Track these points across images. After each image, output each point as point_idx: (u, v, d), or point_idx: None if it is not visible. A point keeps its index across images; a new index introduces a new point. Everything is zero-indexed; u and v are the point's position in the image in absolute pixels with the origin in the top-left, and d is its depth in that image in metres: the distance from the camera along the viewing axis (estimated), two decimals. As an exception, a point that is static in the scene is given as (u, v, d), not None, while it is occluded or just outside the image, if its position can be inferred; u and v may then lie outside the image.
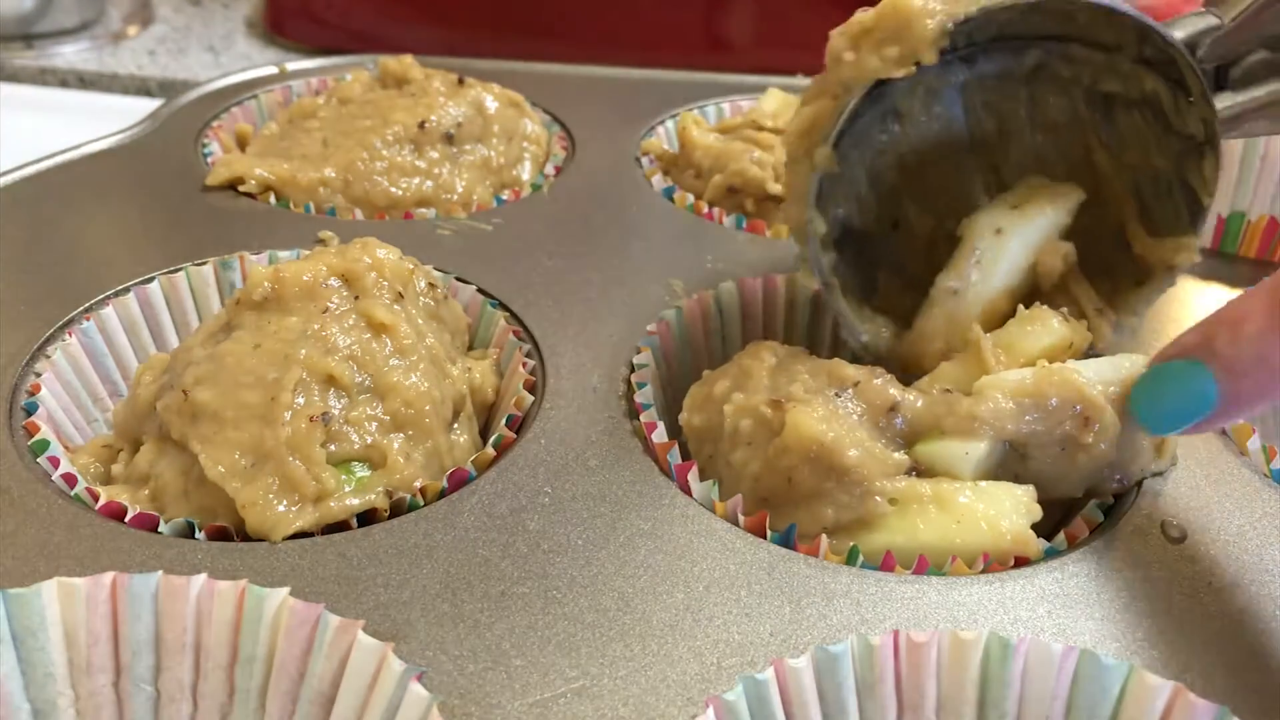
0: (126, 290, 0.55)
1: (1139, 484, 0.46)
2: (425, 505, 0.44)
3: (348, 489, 0.44)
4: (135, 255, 0.58)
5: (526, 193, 0.70)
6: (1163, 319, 0.58)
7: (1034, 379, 0.44)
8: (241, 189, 0.66)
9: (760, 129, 0.72)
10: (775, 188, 0.66)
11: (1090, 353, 0.48)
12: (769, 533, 0.43)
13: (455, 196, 0.68)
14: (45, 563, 0.40)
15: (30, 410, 0.48)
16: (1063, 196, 0.50)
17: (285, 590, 0.37)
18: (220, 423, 0.44)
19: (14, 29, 1.02)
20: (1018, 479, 0.44)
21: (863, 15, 0.46)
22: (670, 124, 0.80)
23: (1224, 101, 0.47)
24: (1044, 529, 0.43)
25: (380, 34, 1.05)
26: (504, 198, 0.70)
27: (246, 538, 0.42)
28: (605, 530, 0.43)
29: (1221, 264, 0.66)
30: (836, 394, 0.45)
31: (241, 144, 0.76)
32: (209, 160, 0.70)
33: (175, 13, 1.16)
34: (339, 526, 0.43)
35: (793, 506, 0.43)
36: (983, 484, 0.43)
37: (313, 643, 0.37)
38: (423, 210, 0.67)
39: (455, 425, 0.49)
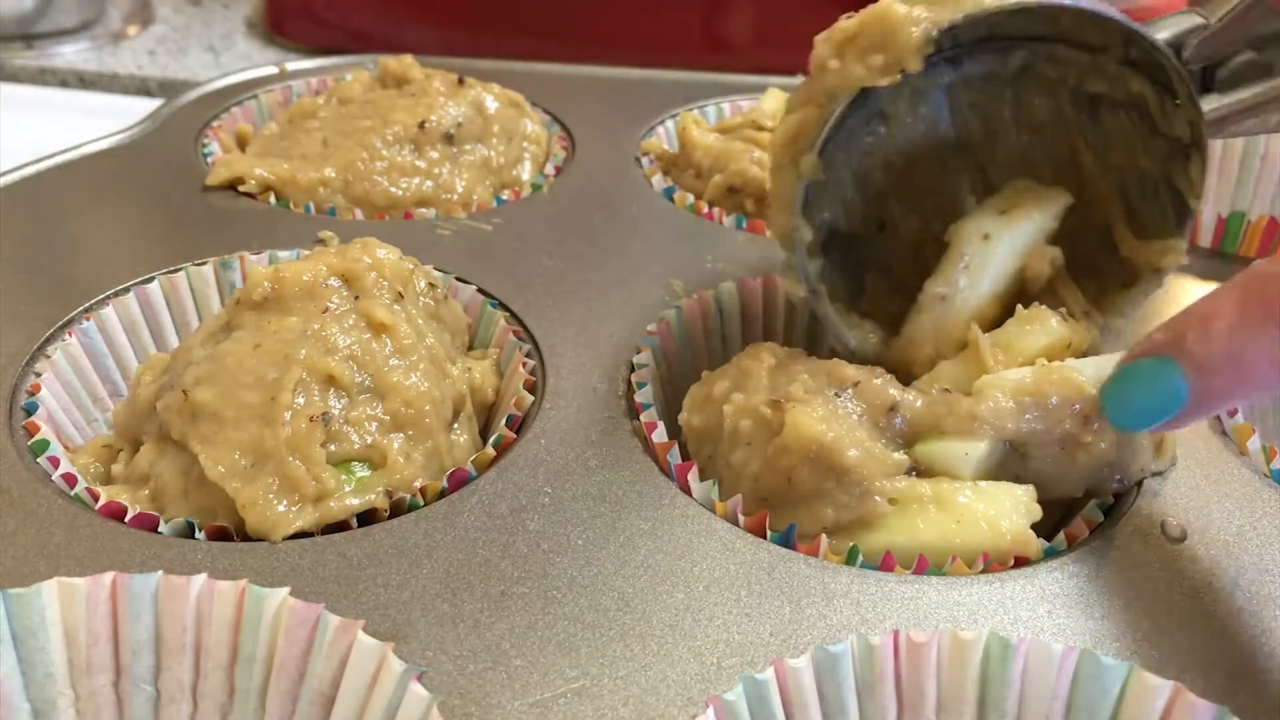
0: (126, 290, 0.55)
1: (1139, 484, 0.46)
2: (425, 505, 0.44)
3: (348, 489, 0.44)
4: (135, 255, 0.58)
5: (526, 193, 0.70)
6: (1162, 318, 0.58)
7: (1033, 378, 0.44)
8: (241, 189, 0.66)
9: (760, 129, 0.72)
10: (775, 188, 0.66)
11: (1087, 352, 0.48)
12: (769, 533, 0.43)
13: (455, 196, 0.68)
14: (45, 563, 0.40)
15: (30, 410, 0.48)
16: (1049, 200, 0.50)
17: (285, 590, 0.37)
18: (220, 423, 0.44)
19: (14, 29, 1.02)
20: (1018, 479, 0.44)
21: (846, 22, 0.45)
22: (670, 124, 0.79)
23: (1210, 104, 0.47)
24: (1044, 529, 0.43)
25: (380, 34, 1.05)
26: (504, 198, 0.70)
27: (246, 538, 0.42)
28: (605, 530, 0.43)
29: (1221, 264, 0.66)
30: (836, 394, 0.45)
31: (241, 144, 0.76)
32: (209, 160, 0.70)
33: (175, 13, 1.16)
34: (339, 526, 0.43)
35: (792, 506, 0.43)
36: (983, 484, 0.43)
37: (313, 643, 0.37)
38: (423, 210, 0.67)
39: (455, 425, 0.49)
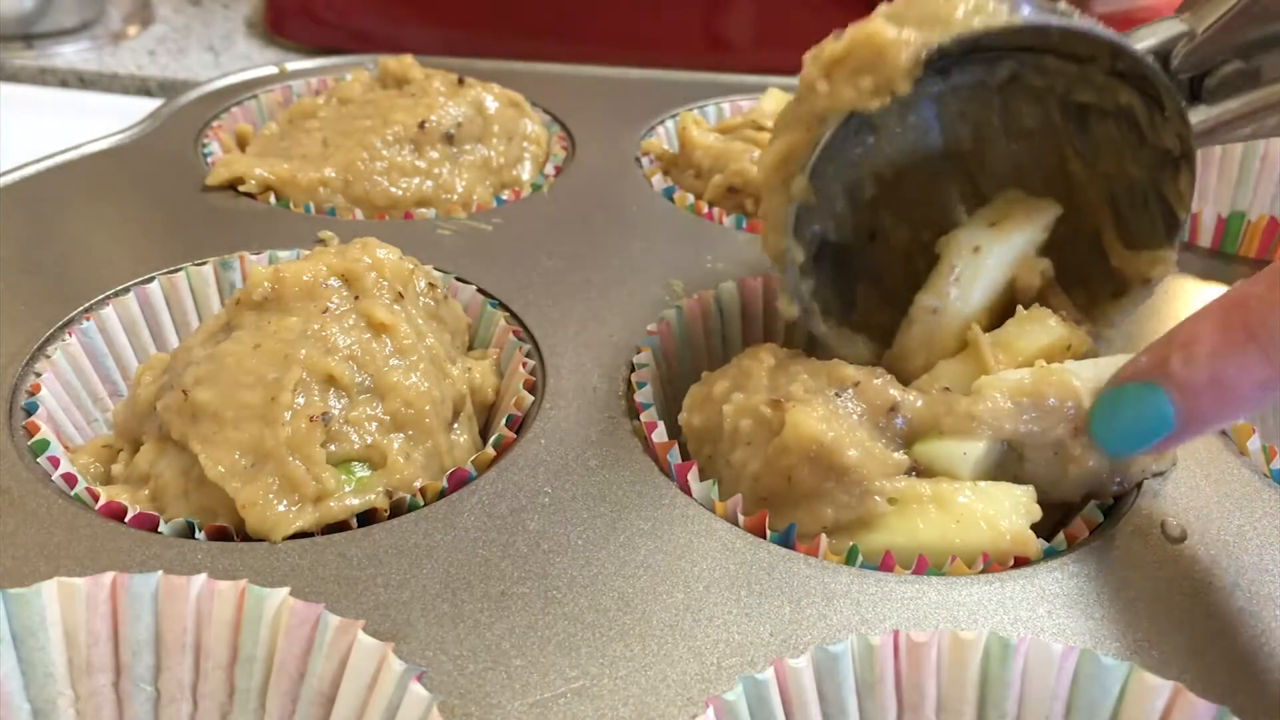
0: (126, 290, 0.55)
1: (1139, 484, 0.46)
2: (425, 505, 0.44)
3: (348, 489, 0.44)
4: (135, 255, 0.58)
5: (526, 193, 0.70)
6: (1163, 318, 0.58)
7: (1032, 379, 0.44)
8: (241, 189, 0.66)
9: (760, 129, 0.72)
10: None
11: (1086, 355, 0.48)
12: (769, 532, 0.43)
13: (455, 196, 0.68)
14: (45, 563, 0.40)
15: (30, 410, 0.48)
16: (1039, 212, 0.50)
17: (285, 590, 0.37)
18: (220, 423, 0.44)
19: (14, 29, 1.02)
20: (1015, 480, 0.44)
21: (835, 43, 0.45)
22: (670, 124, 0.80)
23: (1199, 115, 0.47)
24: (1044, 529, 0.43)
25: (380, 34, 1.05)
26: (504, 198, 0.70)
27: (246, 538, 0.42)
28: (605, 530, 0.43)
29: (1221, 264, 0.66)
30: (836, 394, 0.45)
31: (241, 144, 0.76)
32: (209, 160, 0.71)
33: (175, 13, 1.16)
34: (339, 526, 0.43)
35: (792, 506, 0.43)
36: (982, 484, 0.43)
37: (313, 643, 0.37)
38: (423, 210, 0.67)
39: (455, 425, 0.49)
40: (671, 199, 0.69)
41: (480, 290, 0.58)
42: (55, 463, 0.45)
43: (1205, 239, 0.68)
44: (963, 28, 0.43)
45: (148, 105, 0.78)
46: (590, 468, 0.46)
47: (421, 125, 0.68)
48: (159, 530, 0.42)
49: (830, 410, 0.44)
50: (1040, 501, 0.43)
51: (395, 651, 0.36)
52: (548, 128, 0.78)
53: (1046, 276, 0.49)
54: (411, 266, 0.52)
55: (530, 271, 0.59)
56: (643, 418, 0.48)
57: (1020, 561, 0.42)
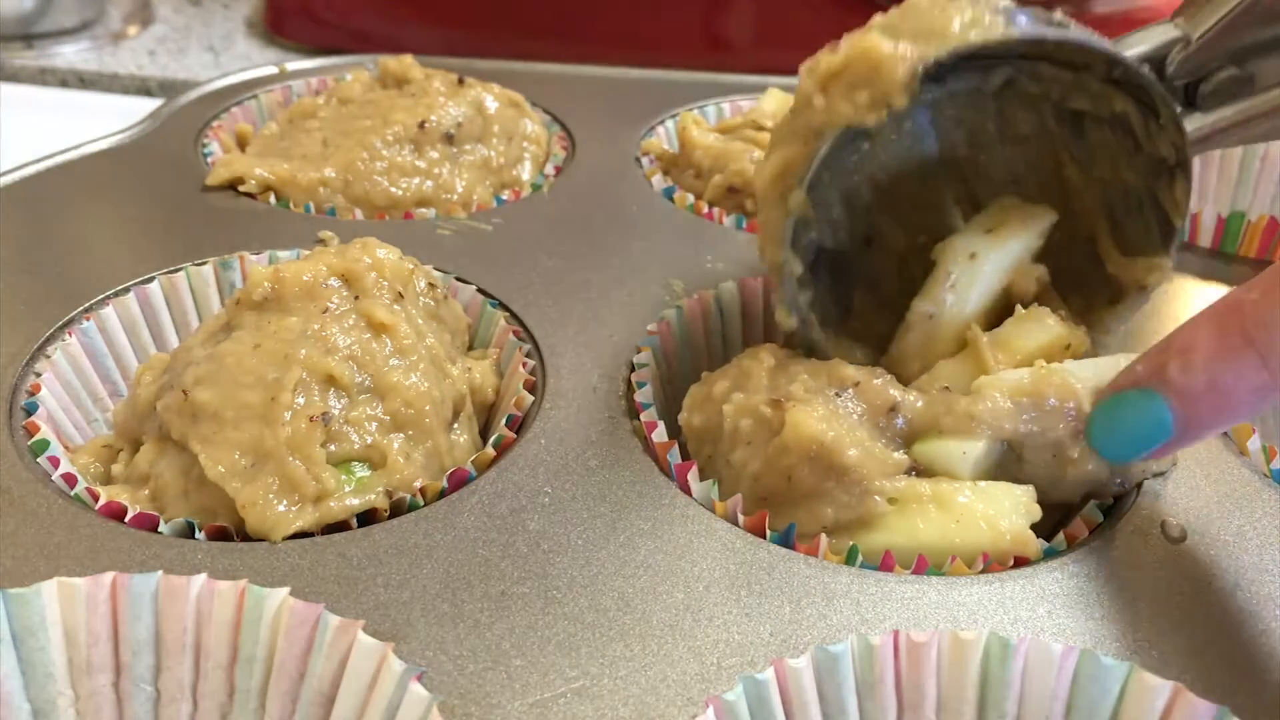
0: (126, 290, 0.55)
1: (1139, 484, 0.46)
2: (425, 505, 0.44)
3: (348, 489, 0.44)
4: (135, 255, 0.58)
5: (526, 193, 0.70)
6: (1163, 318, 0.58)
7: (1031, 379, 0.44)
8: (241, 189, 0.66)
9: (760, 129, 0.72)
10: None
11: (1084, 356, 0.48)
12: (769, 532, 0.43)
13: (455, 196, 0.68)
14: (45, 563, 0.40)
15: (30, 410, 0.48)
16: (1035, 219, 0.50)
17: (285, 590, 0.37)
18: (220, 423, 0.44)
19: (14, 29, 1.02)
20: (1015, 481, 0.44)
21: (831, 57, 0.44)
22: (670, 124, 0.80)
23: (1194, 123, 0.47)
24: (1044, 529, 0.43)
25: (380, 34, 1.05)
26: (504, 198, 0.70)
27: (246, 538, 0.42)
28: (605, 530, 0.43)
29: (1221, 264, 0.66)
30: (836, 394, 0.45)
31: (241, 144, 0.76)
32: (209, 160, 0.70)
33: (175, 13, 1.16)
34: (339, 526, 0.43)
35: (792, 506, 0.43)
36: (982, 484, 0.43)
37: (313, 643, 0.37)
38: (423, 210, 0.67)
39: (455, 425, 0.49)
40: (671, 199, 0.69)
41: (480, 290, 0.58)
42: (55, 463, 0.45)
43: (1205, 239, 0.68)
44: (959, 41, 0.43)
45: (148, 105, 0.78)
46: (590, 468, 0.46)
47: (421, 125, 0.68)
48: (159, 530, 0.42)
49: (830, 410, 0.44)
50: (1040, 501, 0.43)
51: (395, 651, 0.36)
52: (548, 128, 0.78)
53: (1042, 283, 0.49)
54: (411, 266, 0.52)
55: (530, 271, 0.59)
56: (643, 418, 0.48)
57: (1020, 561, 0.42)
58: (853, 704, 0.37)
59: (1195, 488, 0.46)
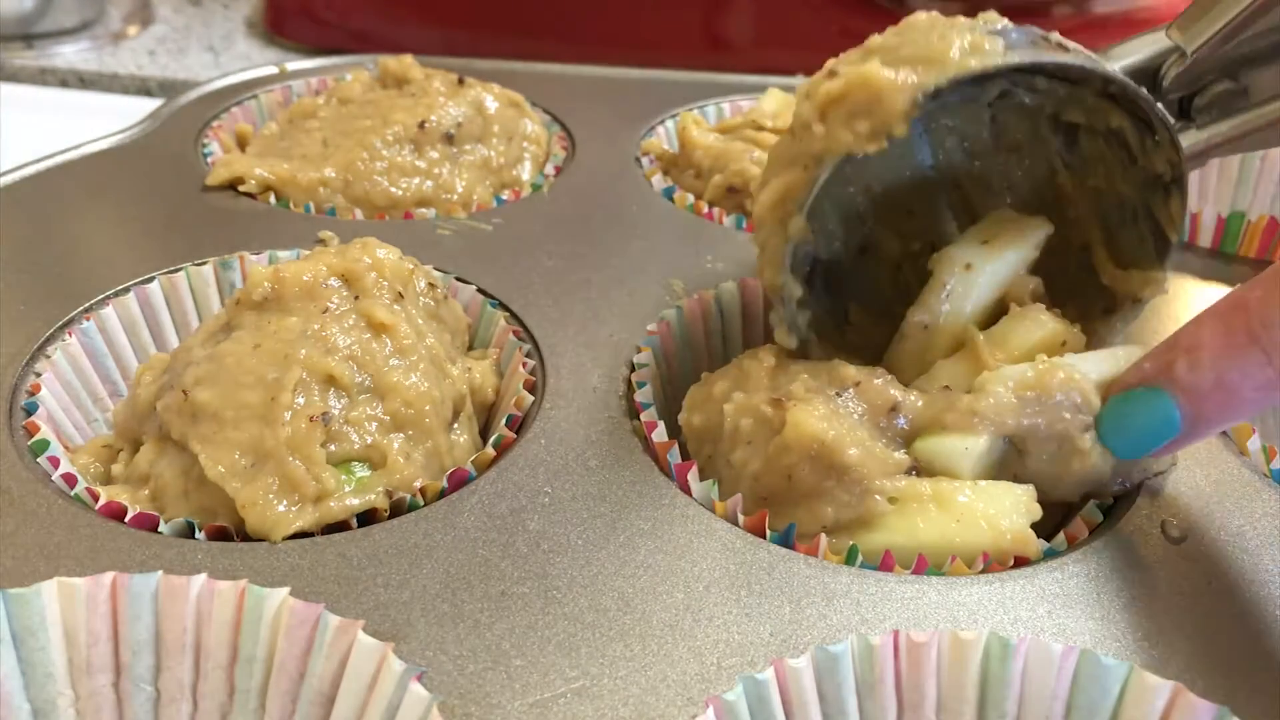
0: (126, 290, 0.55)
1: (1139, 484, 0.46)
2: (425, 505, 0.44)
3: (348, 489, 0.44)
4: (135, 255, 0.58)
5: (526, 193, 0.70)
6: (1164, 318, 0.58)
7: (1035, 373, 0.44)
8: (241, 189, 0.66)
9: (760, 129, 0.72)
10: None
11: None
12: (769, 532, 0.43)
13: (455, 196, 0.68)
14: (45, 563, 0.40)
15: (30, 410, 0.48)
16: (1031, 230, 0.49)
17: (285, 590, 0.37)
18: (220, 423, 0.44)
19: (14, 29, 1.02)
20: (1016, 479, 0.44)
21: (830, 83, 0.44)
22: (670, 124, 0.80)
23: (1189, 139, 0.47)
24: (1044, 529, 0.43)
25: (380, 34, 1.05)
26: (504, 198, 0.70)
27: (246, 538, 0.42)
28: (605, 530, 0.43)
29: (1221, 264, 0.66)
30: (837, 394, 0.45)
31: (241, 144, 0.76)
32: (209, 160, 0.71)
33: (175, 13, 1.16)
34: (339, 526, 0.43)
35: (792, 505, 0.43)
36: (983, 483, 0.43)
37: (313, 643, 0.37)
38: (423, 210, 0.67)
39: (455, 425, 0.49)
40: (671, 199, 0.69)
41: (480, 290, 0.58)
42: (55, 463, 0.45)
43: (1205, 239, 0.68)
44: (959, 69, 0.43)
45: (148, 105, 0.78)
46: (590, 468, 0.46)
47: (421, 125, 0.68)
48: (159, 530, 0.42)
49: (831, 409, 0.44)
50: (1040, 501, 0.43)
51: (395, 651, 0.36)
52: (548, 128, 0.78)
53: (1037, 294, 0.49)
54: (411, 266, 0.52)
55: (530, 271, 0.59)
56: (643, 418, 0.48)
57: (1020, 561, 0.42)
58: (853, 704, 0.37)
59: (1195, 488, 0.46)
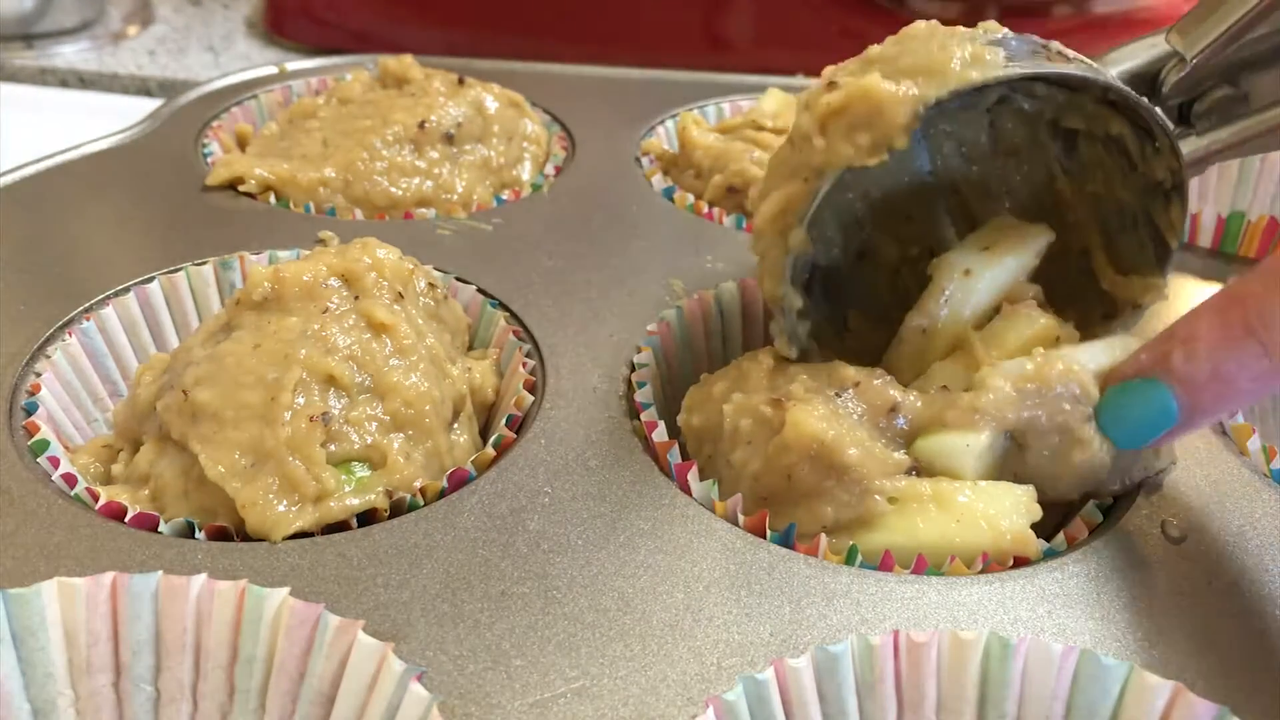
0: (126, 290, 0.55)
1: (1139, 484, 0.46)
2: (425, 505, 0.44)
3: (348, 489, 0.44)
4: (135, 255, 0.58)
5: (526, 193, 0.70)
6: (1162, 317, 0.58)
7: (1035, 365, 0.44)
8: (241, 189, 0.66)
9: (760, 129, 0.72)
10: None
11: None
12: (769, 532, 0.43)
13: (455, 196, 0.68)
14: (45, 563, 0.40)
15: (30, 410, 0.48)
16: (1032, 238, 0.49)
17: (285, 590, 0.37)
18: (220, 423, 0.44)
19: (14, 29, 1.02)
20: (1016, 477, 0.44)
21: (829, 96, 0.44)
22: (670, 124, 0.80)
23: (1189, 146, 0.47)
24: (1044, 530, 0.43)
25: (380, 34, 1.05)
26: (504, 198, 0.70)
27: (246, 538, 0.42)
28: (605, 530, 0.43)
29: (1221, 264, 0.66)
30: (836, 394, 0.45)
31: (241, 144, 0.76)
32: (209, 160, 0.71)
33: (175, 13, 1.16)
34: (339, 526, 0.43)
35: (792, 506, 0.43)
36: (983, 484, 0.43)
37: (313, 643, 0.37)
38: (423, 210, 0.67)
39: (455, 425, 0.49)
40: (671, 199, 0.69)
41: (480, 290, 0.58)
42: (55, 463, 0.45)
43: (1205, 239, 0.68)
44: (960, 81, 0.43)
45: (148, 105, 0.78)
46: (590, 468, 0.46)
47: (421, 125, 0.68)
48: (159, 530, 0.42)
49: (831, 410, 0.44)
50: (1040, 501, 0.43)
51: (395, 651, 0.36)
52: (548, 128, 0.78)
53: (1036, 301, 0.49)
54: (411, 266, 0.52)
55: (530, 271, 0.59)
56: (643, 417, 0.48)
57: (1020, 562, 0.42)
58: (853, 704, 0.37)
59: (1195, 488, 0.46)
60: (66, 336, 0.52)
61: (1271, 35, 0.46)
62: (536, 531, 0.43)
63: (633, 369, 0.52)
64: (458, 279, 0.58)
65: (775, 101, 0.77)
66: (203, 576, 0.37)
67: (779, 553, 0.42)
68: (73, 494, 0.44)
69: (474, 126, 0.71)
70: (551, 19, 1.02)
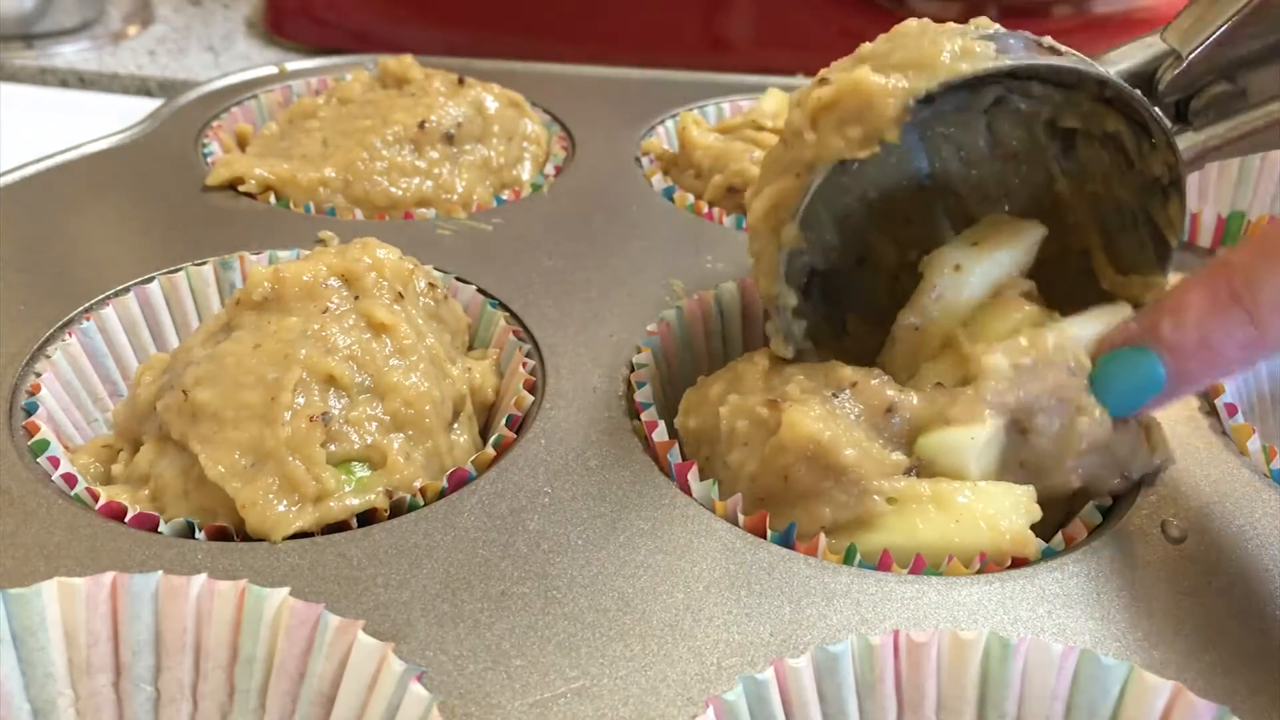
0: (126, 290, 0.55)
1: (1139, 485, 0.46)
2: (425, 505, 0.44)
3: (348, 489, 0.44)
4: (135, 255, 0.58)
5: (526, 193, 0.70)
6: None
7: (1028, 341, 0.44)
8: (241, 189, 0.66)
9: (760, 129, 0.72)
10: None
11: None
12: (769, 532, 0.43)
13: (455, 196, 0.68)
14: (45, 563, 0.40)
15: (30, 410, 0.48)
16: (1024, 233, 0.49)
17: (285, 590, 0.37)
18: (220, 423, 0.44)
19: (14, 29, 1.02)
20: (1021, 465, 0.43)
21: (821, 90, 0.44)
22: (670, 124, 0.80)
23: (1186, 142, 0.47)
24: (1044, 531, 0.43)
25: (380, 34, 1.05)
26: (504, 198, 0.70)
27: (246, 538, 0.42)
28: (605, 530, 0.43)
29: (1221, 264, 0.66)
30: (833, 395, 0.44)
31: (241, 144, 0.76)
32: (209, 160, 0.71)
33: (175, 13, 1.16)
34: (339, 526, 0.43)
35: (790, 506, 0.43)
36: (982, 484, 0.43)
37: (313, 643, 0.37)
38: (423, 210, 0.67)
39: (455, 425, 0.49)
40: (671, 199, 0.69)
41: (480, 290, 0.58)
42: (55, 463, 0.45)
43: (1205, 239, 0.67)
44: (950, 73, 0.43)
45: (148, 105, 0.78)
46: (590, 468, 0.46)
47: (421, 125, 0.68)
48: (159, 530, 0.42)
49: (827, 410, 0.44)
50: (1042, 498, 0.43)
51: (395, 651, 0.36)
52: (548, 128, 0.78)
53: (1030, 297, 0.49)
54: (411, 266, 0.52)
55: (530, 271, 0.59)
56: (643, 417, 0.48)
57: (1019, 562, 0.42)
58: (853, 704, 0.37)
59: (1195, 488, 0.46)
60: (66, 336, 0.52)
61: (1268, 32, 0.46)
62: (536, 531, 0.43)
63: (632, 369, 0.52)
64: (458, 279, 0.58)
65: (775, 101, 0.77)
66: (203, 576, 0.37)
67: (779, 553, 0.42)
68: (73, 494, 0.44)
69: (474, 126, 0.71)
70: (551, 19, 1.02)
